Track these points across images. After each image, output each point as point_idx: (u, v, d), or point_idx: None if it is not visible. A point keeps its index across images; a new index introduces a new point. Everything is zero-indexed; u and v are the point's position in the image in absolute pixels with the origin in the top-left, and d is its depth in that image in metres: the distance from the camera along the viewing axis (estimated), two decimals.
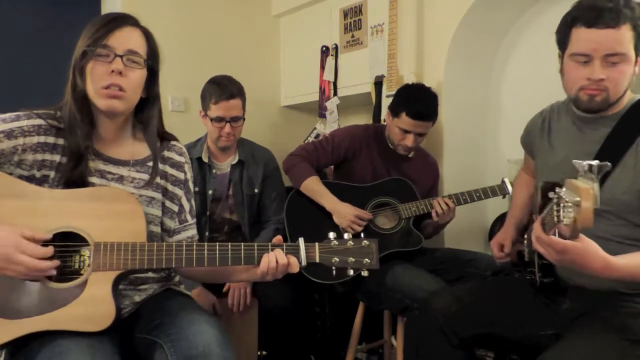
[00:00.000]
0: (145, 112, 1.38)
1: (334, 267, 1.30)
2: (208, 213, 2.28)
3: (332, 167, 2.40)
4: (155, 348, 1.24)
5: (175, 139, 1.50)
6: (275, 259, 1.26)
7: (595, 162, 1.04)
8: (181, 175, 1.47)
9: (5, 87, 2.56)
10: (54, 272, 1.18)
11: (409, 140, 2.16)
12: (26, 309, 1.16)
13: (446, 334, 1.46)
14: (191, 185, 1.51)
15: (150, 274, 1.41)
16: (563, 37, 1.37)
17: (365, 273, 1.32)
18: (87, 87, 1.27)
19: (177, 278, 1.52)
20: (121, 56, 1.26)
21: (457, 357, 1.48)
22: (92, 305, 1.18)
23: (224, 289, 2.13)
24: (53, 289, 1.18)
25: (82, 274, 1.21)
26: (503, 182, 2.09)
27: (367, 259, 1.30)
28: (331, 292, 2.61)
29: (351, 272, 1.31)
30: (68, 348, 1.12)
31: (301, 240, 1.29)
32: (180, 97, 2.97)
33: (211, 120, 2.21)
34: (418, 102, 2.13)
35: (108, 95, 1.26)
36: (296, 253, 1.28)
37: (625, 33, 1.27)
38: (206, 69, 2.57)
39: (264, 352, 2.24)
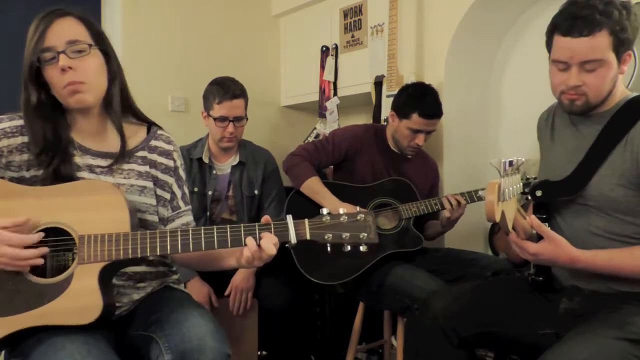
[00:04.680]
0: (108, 92, 1.34)
1: (328, 245, 1.21)
2: (208, 214, 2.28)
3: (332, 167, 2.41)
4: (151, 343, 1.24)
5: (160, 128, 1.49)
6: (259, 246, 1.20)
7: (513, 159, 1.14)
8: (171, 163, 1.46)
9: (5, 88, 2.56)
10: (41, 261, 1.17)
11: (420, 140, 2.18)
12: (15, 305, 1.17)
13: (446, 334, 1.46)
14: (182, 172, 1.50)
15: (146, 269, 1.40)
16: (547, 43, 1.41)
17: (363, 248, 1.21)
18: (54, 93, 1.27)
19: (175, 276, 1.51)
20: (63, 51, 1.23)
21: (457, 357, 1.48)
22: (79, 298, 1.17)
23: (226, 292, 2.14)
24: (40, 285, 1.18)
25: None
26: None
27: (364, 233, 1.20)
28: (331, 292, 2.61)
29: (348, 248, 1.22)
30: (62, 345, 1.12)
31: (289, 218, 1.22)
32: (180, 97, 2.97)
33: (214, 120, 2.22)
34: (427, 101, 2.15)
35: (70, 92, 1.25)
36: (285, 231, 1.21)
37: (601, 40, 1.29)
38: (206, 69, 2.58)
39: (264, 352, 2.24)
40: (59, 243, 1.22)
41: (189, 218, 1.50)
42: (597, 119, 1.40)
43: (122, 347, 1.27)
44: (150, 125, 1.47)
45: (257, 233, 1.22)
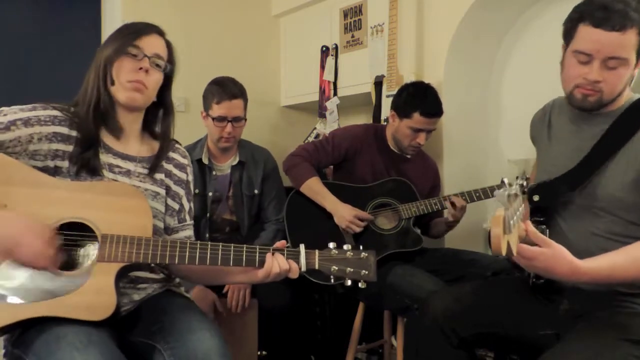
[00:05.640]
0: (164, 122, 1.50)
1: (332, 275, 1.32)
2: (208, 215, 2.28)
3: (332, 167, 2.40)
4: (154, 352, 1.25)
5: (178, 142, 1.57)
6: (278, 266, 1.28)
7: (512, 191, 1.12)
8: (184, 176, 1.52)
9: (5, 87, 2.56)
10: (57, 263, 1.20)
11: (422, 139, 2.18)
12: (31, 293, 1.18)
13: (446, 334, 1.46)
14: (192, 187, 1.56)
15: (150, 275, 1.41)
16: (569, 31, 1.35)
17: (362, 285, 1.32)
18: (110, 82, 1.35)
19: (177, 280, 1.52)
20: (149, 57, 1.37)
21: (457, 357, 1.48)
22: (95, 295, 1.20)
23: (224, 290, 2.14)
24: (58, 276, 1.21)
25: (87, 264, 1.23)
26: (502, 182, 2.08)
27: (365, 271, 1.31)
28: (331, 292, 2.61)
29: (349, 283, 1.32)
30: (64, 334, 1.14)
31: (302, 247, 1.32)
32: (180, 97, 2.96)
33: (213, 120, 2.22)
34: (429, 100, 2.15)
35: (132, 87, 1.35)
36: (296, 258, 1.31)
37: (630, 38, 1.25)
38: (206, 69, 2.58)
39: (264, 352, 2.24)
40: (72, 238, 1.24)
41: (190, 232, 1.54)
42: (602, 118, 1.39)
43: (124, 349, 1.26)
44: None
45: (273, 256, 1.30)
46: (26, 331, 1.19)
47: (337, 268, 1.31)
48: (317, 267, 1.31)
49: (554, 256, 1.18)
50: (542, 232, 1.28)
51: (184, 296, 1.47)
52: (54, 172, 1.30)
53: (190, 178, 1.55)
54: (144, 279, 1.40)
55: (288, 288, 2.14)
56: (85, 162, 1.31)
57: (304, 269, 1.31)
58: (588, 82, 1.31)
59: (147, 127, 1.49)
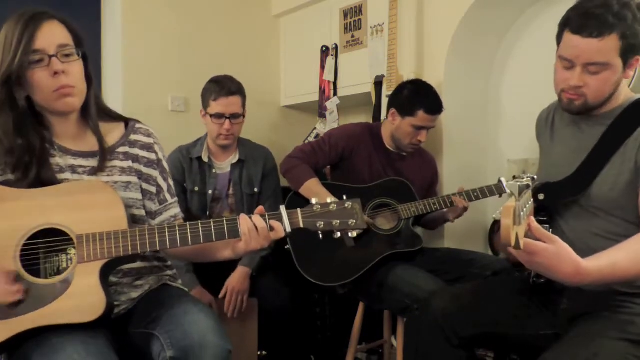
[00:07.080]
0: (86, 96, 1.35)
1: (320, 232, 1.29)
2: (208, 213, 2.28)
3: (329, 167, 2.41)
4: (152, 340, 1.24)
5: (139, 122, 1.49)
6: (254, 223, 1.26)
7: (524, 182, 1.13)
8: (152, 156, 1.46)
9: None
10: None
11: (423, 136, 2.18)
12: (18, 307, 1.17)
13: (446, 334, 1.46)
14: (165, 164, 1.50)
15: (141, 264, 1.40)
16: (558, 36, 1.38)
17: (353, 234, 1.29)
18: (35, 97, 1.27)
19: (171, 271, 1.51)
20: (55, 55, 1.23)
21: (457, 357, 1.47)
22: (82, 296, 1.18)
23: (221, 295, 2.14)
24: (41, 286, 1.19)
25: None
26: (500, 181, 2.08)
27: (352, 220, 1.27)
28: (331, 292, 2.61)
29: (338, 235, 1.29)
30: (62, 346, 1.13)
31: (282, 208, 1.30)
32: (180, 97, 2.97)
33: (211, 117, 2.23)
34: (431, 97, 2.16)
35: (61, 95, 1.25)
36: (279, 220, 1.29)
37: (609, 43, 1.26)
38: (206, 69, 2.58)
39: (264, 352, 2.24)
40: (51, 245, 1.22)
41: (176, 210, 1.50)
42: (600, 119, 1.39)
43: (122, 346, 1.27)
44: (127, 121, 1.47)
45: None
46: (24, 343, 1.17)
47: (322, 223, 1.28)
48: (301, 225, 1.28)
49: (557, 253, 1.12)
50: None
51: (179, 288, 1.46)
52: (18, 184, 1.26)
53: (161, 155, 1.48)
54: (138, 270, 1.39)
55: (288, 288, 2.15)
56: (32, 180, 1.25)
57: (288, 229, 1.28)
58: (570, 88, 1.34)
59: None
